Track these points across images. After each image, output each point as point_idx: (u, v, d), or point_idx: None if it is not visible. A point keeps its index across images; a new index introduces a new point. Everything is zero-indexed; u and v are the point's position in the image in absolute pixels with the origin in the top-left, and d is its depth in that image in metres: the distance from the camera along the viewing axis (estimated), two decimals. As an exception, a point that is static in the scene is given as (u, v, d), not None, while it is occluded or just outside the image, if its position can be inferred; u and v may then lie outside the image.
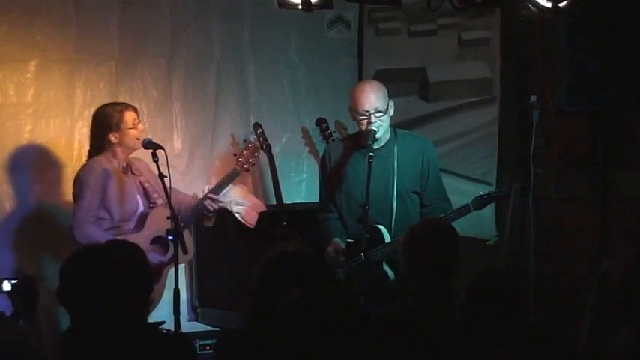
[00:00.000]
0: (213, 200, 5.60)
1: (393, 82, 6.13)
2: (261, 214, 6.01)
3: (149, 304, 3.18)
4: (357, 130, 5.32)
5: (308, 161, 6.63)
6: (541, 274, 6.08)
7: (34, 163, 5.80)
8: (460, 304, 3.82)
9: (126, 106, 5.42)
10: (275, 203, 6.17)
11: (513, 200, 5.99)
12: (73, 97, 5.93)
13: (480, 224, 6.21)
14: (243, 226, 5.96)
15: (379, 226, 5.19)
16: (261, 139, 6.19)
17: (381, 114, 5.15)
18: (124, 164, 5.44)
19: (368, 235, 5.02)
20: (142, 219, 5.45)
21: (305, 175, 6.66)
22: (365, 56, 6.84)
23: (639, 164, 5.80)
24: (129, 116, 5.35)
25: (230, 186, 5.79)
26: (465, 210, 5.12)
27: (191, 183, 6.22)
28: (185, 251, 5.25)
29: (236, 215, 5.94)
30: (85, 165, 5.43)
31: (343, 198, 5.34)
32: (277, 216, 6.04)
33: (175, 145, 6.23)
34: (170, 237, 5.20)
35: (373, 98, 5.16)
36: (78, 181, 5.39)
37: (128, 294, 3.04)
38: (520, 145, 6.19)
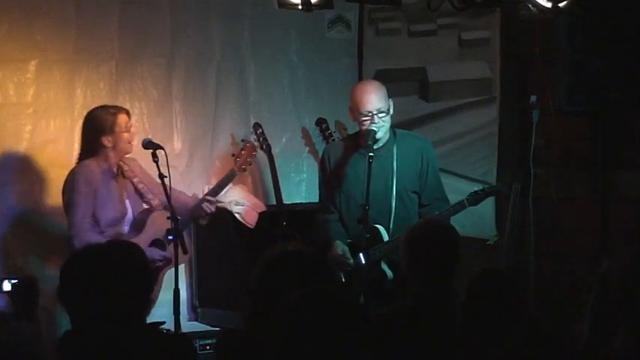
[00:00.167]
0: (210, 202, 5.59)
1: (393, 82, 6.14)
2: (261, 214, 6.01)
3: (149, 304, 3.18)
4: (357, 130, 5.32)
5: (308, 161, 6.63)
6: (541, 274, 6.08)
7: (34, 163, 5.80)
8: (460, 304, 3.82)
9: (119, 109, 5.38)
10: (275, 203, 6.17)
11: (513, 200, 5.99)
12: (73, 97, 5.93)
13: (480, 224, 6.22)
14: (243, 226, 5.97)
15: (377, 226, 5.19)
16: (261, 139, 6.19)
17: (383, 114, 5.16)
18: (115, 168, 5.39)
19: (368, 235, 5.03)
20: (140, 222, 5.44)
21: (305, 175, 6.66)
22: (365, 56, 6.84)
23: (639, 164, 5.80)
24: (122, 119, 5.31)
25: (230, 186, 5.79)
26: (460, 206, 5.13)
27: (191, 183, 6.22)
28: (185, 251, 5.26)
29: (236, 215, 5.95)
30: (73, 169, 5.35)
31: (343, 198, 5.34)
32: (277, 216, 6.04)
33: (175, 145, 6.23)
34: (170, 237, 5.21)
35: (376, 99, 5.16)
36: (68, 188, 5.31)
37: (128, 294, 3.04)
38: (520, 145, 6.19)
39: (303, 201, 6.52)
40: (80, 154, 5.40)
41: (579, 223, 6.00)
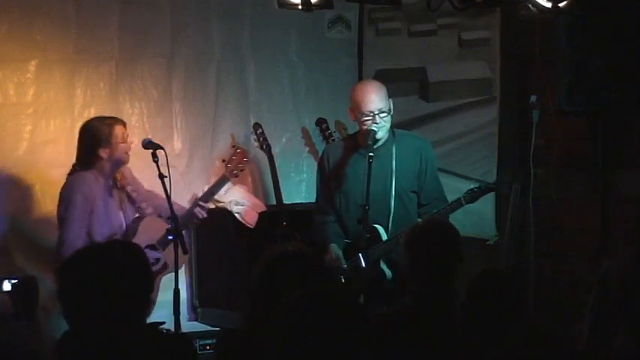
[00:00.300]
0: (202, 208, 5.57)
1: (393, 82, 6.14)
2: (261, 214, 6.01)
3: (149, 304, 3.18)
4: (357, 130, 5.32)
5: (308, 161, 6.63)
6: (541, 274, 6.08)
7: (34, 163, 5.80)
8: (460, 304, 3.82)
9: (115, 120, 5.34)
10: (275, 203, 6.17)
11: (513, 200, 5.99)
12: (73, 97, 5.93)
13: (480, 224, 6.22)
14: (243, 226, 5.97)
15: (376, 226, 5.19)
16: (261, 139, 6.19)
17: (385, 114, 5.15)
18: (111, 180, 5.33)
19: (368, 236, 5.03)
20: (131, 231, 5.41)
21: (305, 175, 6.66)
22: (365, 56, 6.84)
23: (639, 164, 5.80)
24: (119, 130, 5.26)
25: (230, 185, 5.79)
26: (457, 204, 5.13)
27: (191, 183, 6.23)
28: (185, 251, 5.25)
29: (236, 215, 5.95)
30: (68, 181, 5.29)
31: (342, 198, 5.34)
32: (277, 216, 6.04)
33: (175, 145, 6.23)
34: (170, 237, 5.21)
35: (377, 99, 5.16)
36: (63, 200, 5.23)
37: (128, 294, 3.04)
38: (520, 145, 6.19)
39: (303, 201, 6.51)
40: (75, 165, 5.32)
41: (579, 223, 6.00)
